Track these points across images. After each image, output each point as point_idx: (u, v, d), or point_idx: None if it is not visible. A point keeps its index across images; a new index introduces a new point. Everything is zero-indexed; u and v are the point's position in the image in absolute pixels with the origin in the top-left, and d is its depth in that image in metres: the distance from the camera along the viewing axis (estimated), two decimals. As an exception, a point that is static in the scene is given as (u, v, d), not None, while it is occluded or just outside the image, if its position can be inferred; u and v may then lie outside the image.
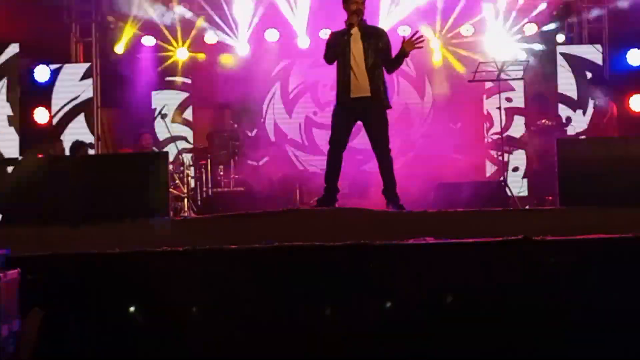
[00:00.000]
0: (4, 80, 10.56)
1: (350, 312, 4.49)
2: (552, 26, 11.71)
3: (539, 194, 9.55)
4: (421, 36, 6.95)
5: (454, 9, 11.52)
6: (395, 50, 6.97)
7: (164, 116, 11.14)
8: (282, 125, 12.19)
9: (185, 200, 9.93)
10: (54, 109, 11.17)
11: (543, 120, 9.97)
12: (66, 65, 11.44)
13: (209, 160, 10.54)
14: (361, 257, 4.59)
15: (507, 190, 8.71)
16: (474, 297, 4.50)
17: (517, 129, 10.99)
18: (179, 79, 12.14)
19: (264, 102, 12.21)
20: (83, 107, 11.39)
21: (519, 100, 11.48)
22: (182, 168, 10.18)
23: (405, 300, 4.49)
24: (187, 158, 10.77)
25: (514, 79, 9.60)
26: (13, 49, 10.55)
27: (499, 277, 4.54)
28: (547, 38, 11.71)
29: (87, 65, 11.61)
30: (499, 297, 4.50)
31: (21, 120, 10.43)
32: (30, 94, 10.65)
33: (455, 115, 11.66)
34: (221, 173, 10.56)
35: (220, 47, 12.01)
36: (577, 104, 11.12)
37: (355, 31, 6.86)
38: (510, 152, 9.53)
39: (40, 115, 10.95)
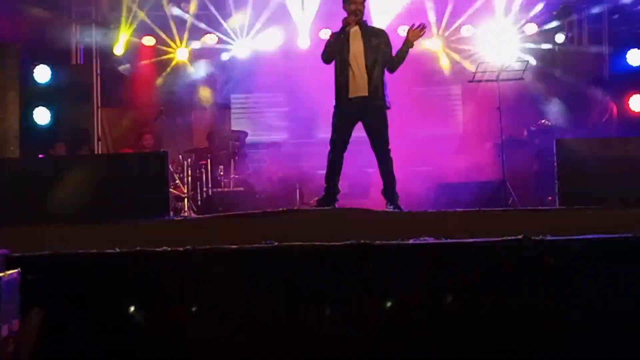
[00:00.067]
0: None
1: (350, 312, 4.49)
2: (552, 26, 11.71)
3: (539, 194, 9.54)
4: (423, 25, 6.95)
5: (454, 9, 11.53)
6: (396, 48, 6.96)
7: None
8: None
9: (185, 200, 9.93)
10: (54, 108, 11.16)
11: (543, 120, 9.97)
12: (66, 65, 11.44)
13: (209, 160, 10.54)
14: (361, 257, 4.59)
15: (507, 190, 8.71)
16: (474, 297, 4.50)
17: (517, 129, 10.98)
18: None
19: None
20: (83, 107, 11.39)
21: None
22: (182, 168, 10.19)
23: (405, 300, 4.49)
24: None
25: (513, 79, 9.60)
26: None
27: (499, 277, 4.54)
28: (547, 38, 11.73)
29: (87, 65, 11.62)
30: (499, 297, 4.50)
31: (21, 120, 10.42)
32: (30, 94, 10.64)
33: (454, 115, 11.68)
34: (221, 173, 10.56)
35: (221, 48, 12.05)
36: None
37: (355, 30, 6.87)
38: (510, 152, 9.52)
39: (40, 115, 10.94)
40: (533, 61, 11.06)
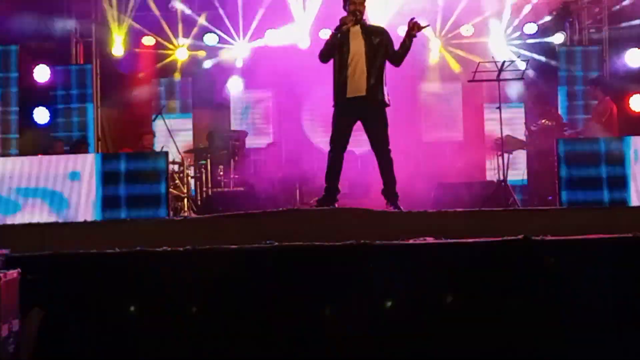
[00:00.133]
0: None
1: (350, 312, 4.48)
2: (551, 26, 11.72)
3: (539, 194, 9.55)
4: (427, 24, 6.97)
5: (454, 9, 11.53)
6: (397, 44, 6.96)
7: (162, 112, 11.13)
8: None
9: (185, 200, 9.93)
10: (54, 108, 11.17)
11: (543, 120, 9.97)
12: (66, 66, 11.45)
13: (209, 160, 10.55)
14: (361, 257, 4.58)
15: (507, 190, 8.71)
16: (474, 297, 4.50)
17: (517, 129, 10.98)
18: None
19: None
20: (83, 107, 11.40)
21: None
22: (182, 168, 10.19)
23: (405, 300, 4.49)
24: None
25: (514, 79, 9.60)
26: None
27: (499, 277, 4.53)
28: (547, 37, 11.73)
29: (87, 65, 11.62)
30: (499, 297, 4.50)
31: (21, 120, 10.43)
32: (30, 94, 10.65)
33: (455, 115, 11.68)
34: (221, 173, 10.56)
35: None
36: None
37: (356, 30, 6.85)
38: (510, 152, 9.53)
39: (40, 115, 10.94)
40: (534, 60, 11.07)
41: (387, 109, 6.92)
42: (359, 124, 6.93)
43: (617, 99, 10.42)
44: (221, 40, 12.07)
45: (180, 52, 12.02)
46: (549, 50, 11.67)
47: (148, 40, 11.94)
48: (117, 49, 11.65)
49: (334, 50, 6.87)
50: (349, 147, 6.99)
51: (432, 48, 11.85)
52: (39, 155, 8.44)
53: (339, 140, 6.90)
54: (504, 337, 4.46)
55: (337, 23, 6.91)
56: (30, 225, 6.04)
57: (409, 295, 4.50)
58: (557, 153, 7.21)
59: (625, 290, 4.48)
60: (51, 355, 4.40)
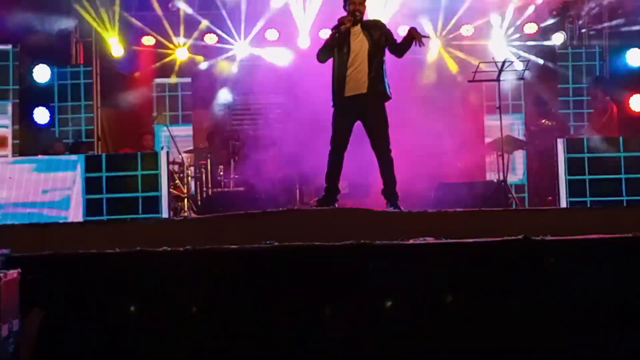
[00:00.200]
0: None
1: (350, 312, 4.48)
2: (551, 26, 11.72)
3: (539, 194, 9.55)
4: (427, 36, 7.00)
5: (455, 9, 11.53)
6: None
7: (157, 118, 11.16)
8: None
9: (185, 200, 9.93)
10: (54, 108, 11.17)
11: (543, 120, 9.97)
12: (66, 66, 11.45)
13: (209, 160, 10.55)
14: (361, 257, 4.58)
15: (507, 190, 8.71)
16: (474, 297, 4.50)
17: (517, 129, 10.99)
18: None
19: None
20: (83, 107, 11.39)
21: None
22: (182, 168, 10.19)
23: (405, 300, 4.49)
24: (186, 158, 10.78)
25: (514, 79, 9.60)
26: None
27: (499, 277, 4.53)
28: (547, 38, 11.73)
29: (87, 65, 11.62)
30: (499, 297, 4.50)
31: (21, 120, 10.43)
32: (30, 94, 10.65)
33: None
34: (221, 173, 10.56)
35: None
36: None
37: (355, 29, 6.84)
38: (510, 152, 9.53)
39: (40, 115, 10.94)
40: (534, 61, 11.06)
41: (388, 109, 6.91)
42: (359, 124, 6.93)
43: (617, 99, 10.43)
44: (221, 40, 12.06)
45: (180, 52, 12.02)
46: (548, 51, 11.67)
47: (148, 40, 11.94)
48: (117, 49, 11.64)
49: (333, 51, 6.87)
50: (349, 147, 6.99)
51: (432, 48, 11.84)
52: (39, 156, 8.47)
53: (339, 140, 6.89)
54: (504, 337, 4.45)
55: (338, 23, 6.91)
56: (30, 225, 6.04)
57: (409, 295, 4.49)
58: (556, 153, 7.22)
59: (625, 290, 4.48)
60: (51, 355, 4.40)
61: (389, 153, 6.85)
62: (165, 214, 8.31)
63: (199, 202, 10.26)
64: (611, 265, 4.52)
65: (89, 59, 11.74)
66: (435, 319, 4.48)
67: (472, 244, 4.67)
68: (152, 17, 11.75)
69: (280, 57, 12.10)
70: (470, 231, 5.13)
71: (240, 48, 12.09)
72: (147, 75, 12.18)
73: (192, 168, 10.65)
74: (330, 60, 6.96)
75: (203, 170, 10.50)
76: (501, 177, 8.80)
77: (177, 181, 9.92)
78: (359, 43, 6.82)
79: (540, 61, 11.52)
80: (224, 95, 12.45)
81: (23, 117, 10.50)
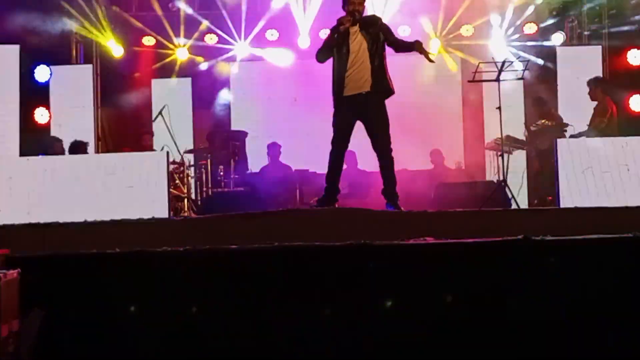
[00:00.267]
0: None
1: (350, 312, 4.48)
2: (551, 26, 11.71)
3: (539, 194, 9.54)
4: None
5: (455, 9, 11.53)
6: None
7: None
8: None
9: (185, 200, 9.93)
10: (54, 109, 11.16)
11: (543, 120, 9.96)
12: (66, 66, 11.44)
13: (209, 160, 10.54)
14: (361, 257, 4.59)
15: (507, 190, 8.70)
16: (474, 297, 4.50)
17: (517, 129, 10.98)
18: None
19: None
20: (83, 107, 11.38)
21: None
22: (182, 168, 10.19)
23: (405, 300, 4.49)
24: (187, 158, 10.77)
25: (514, 79, 9.59)
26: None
27: (499, 277, 4.54)
28: (547, 38, 11.73)
29: (88, 65, 11.61)
30: (499, 297, 4.50)
31: (21, 120, 10.43)
32: (30, 94, 10.64)
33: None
34: (221, 173, 10.56)
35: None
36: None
37: (354, 29, 6.84)
38: (510, 152, 9.52)
39: (40, 115, 10.94)
40: (534, 61, 11.06)
41: (388, 110, 6.91)
42: (360, 124, 6.92)
43: (617, 99, 10.42)
44: (221, 40, 12.06)
45: (180, 52, 12.02)
46: (548, 51, 11.66)
47: (148, 41, 11.94)
48: (117, 50, 11.65)
49: (332, 51, 6.88)
50: (349, 147, 6.99)
51: (432, 48, 11.84)
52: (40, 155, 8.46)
53: (339, 140, 6.89)
54: (504, 337, 4.46)
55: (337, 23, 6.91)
56: (30, 225, 6.04)
57: (409, 295, 4.50)
58: (556, 153, 7.21)
59: (625, 290, 4.48)
60: (51, 355, 4.40)
61: (390, 153, 6.85)
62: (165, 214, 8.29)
63: (199, 202, 10.25)
64: (611, 265, 4.52)
65: (89, 59, 11.74)
66: (435, 319, 4.49)
67: (472, 244, 4.67)
68: (152, 17, 11.75)
69: (280, 58, 12.09)
70: (470, 231, 5.14)
71: (241, 48, 12.09)
72: (147, 76, 12.17)
73: (192, 168, 10.65)
74: (331, 60, 6.97)
75: (203, 170, 10.50)
76: (501, 177, 8.80)
77: (177, 181, 9.91)
78: (358, 43, 6.82)
79: (540, 61, 11.52)
80: (224, 95, 12.44)
81: (23, 117, 10.49)
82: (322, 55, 6.96)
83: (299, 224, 5.89)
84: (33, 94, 10.73)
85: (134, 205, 7.12)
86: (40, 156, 8.64)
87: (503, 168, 8.75)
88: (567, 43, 11.78)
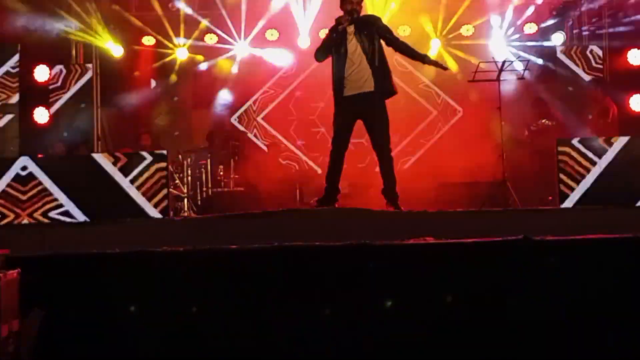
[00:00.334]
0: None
1: (350, 312, 4.48)
2: (551, 26, 11.71)
3: (539, 194, 9.54)
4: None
5: (456, 9, 11.53)
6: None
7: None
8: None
9: (185, 200, 9.93)
10: (54, 109, 11.16)
11: (543, 120, 9.97)
12: (66, 66, 11.44)
13: (209, 160, 10.54)
14: (361, 257, 4.59)
15: (507, 190, 8.71)
16: (474, 297, 4.50)
17: (518, 129, 10.99)
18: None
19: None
20: (83, 107, 11.38)
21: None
22: (182, 168, 10.19)
23: (405, 300, 4.49)
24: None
25: (514, 79, 9.60)
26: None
27: (499, 277, 4.54)
28: (547, 38, 11.73)
29: (87, 65, 11.61)
30: (499, 297, 4.50)
31: (21, 120, 10.43)
32: (30, 94, 10.64)
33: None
34: (221, 173, 10.56)
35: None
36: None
37: (352, 29, 6.84)
38: (510, 153, 9.52)
39: (40, 115, 10.94)
40: (534, 61, 11.06)
41: (388, 110, 6.91)
42: (360, 124, 6.92)
43: (617, 99, 10.42)
44: (221, 40, 12.06)
45: (180, 52, 12.02)
46: (548, 51, 11.67)
47: (148, 40, 11.94)
48: (116, 50, 11.65)
49: (331, 50, 6.88)
50: (349, 147, 6.98)
51: (432, 48, 11.84)
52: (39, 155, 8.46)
53: (340, 140, 6.89)
54: (504, 337, 4.46)
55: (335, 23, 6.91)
56: (30, 225, 6.05)
57: (409, 295, 4.50)
58: (556, 153, 7.21)
59: (625, 291, 4.48)
60: (51, 355, 4.40)
61: (390, 153, 6.85)
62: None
63: (199, 202, 10.26)
64: (611, 265, 4.52)
65: (89, 59, 11.73)
66: (435, 319, 4.49)
67: (472, 244, 4.67)
68: (152, 17, 11.74)
69: (280, 57, 12.10)
70: (470, 231, 5.13)
71: (240, 48, 12.09)
72: (147, 75, 12.17)
73: (192, 168, 10.65)
74: (330, 60, 6.97)
75: (203, 170, 10.50)
76: (501, 177, 8.80)
77: (177, 181, 9.91)
78: (356, 44, 6.82)
79: (540, 61, 11.52)
80: (224, 95, 12.44)
81: (23, 117, 10.49)
82: (320, 54, 6.96)
83: (299, 224, 5.89)
84: (33, 94, 10.73)
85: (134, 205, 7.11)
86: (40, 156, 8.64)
87: (503, 168, 8.76)
88: (567, 43, 11.78)
